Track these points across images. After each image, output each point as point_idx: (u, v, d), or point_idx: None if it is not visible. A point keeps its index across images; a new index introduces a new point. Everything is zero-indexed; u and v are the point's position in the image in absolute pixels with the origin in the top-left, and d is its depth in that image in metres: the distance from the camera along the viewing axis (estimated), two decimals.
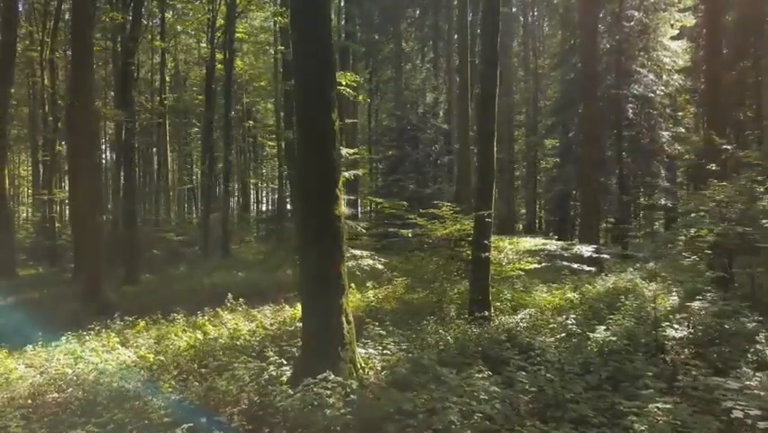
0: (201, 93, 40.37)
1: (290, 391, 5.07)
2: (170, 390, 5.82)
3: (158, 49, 34.10)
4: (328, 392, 5.04)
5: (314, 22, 5.85)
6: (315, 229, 5.86)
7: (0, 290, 18.33)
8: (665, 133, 20.13)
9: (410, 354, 6.36)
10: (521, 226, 34.81)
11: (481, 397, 4.61)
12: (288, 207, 37.49)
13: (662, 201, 20.25)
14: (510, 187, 32.64)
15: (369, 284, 13.20)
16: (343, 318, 5.85)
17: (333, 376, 5.29)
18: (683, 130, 21.99)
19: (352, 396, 5.21)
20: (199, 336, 8.42)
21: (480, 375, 5.52)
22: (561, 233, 26.74)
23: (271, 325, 9.80)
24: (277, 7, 14.81)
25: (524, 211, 38.49)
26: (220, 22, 31.15)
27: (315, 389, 5.13)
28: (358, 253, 13.93)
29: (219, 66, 31.28)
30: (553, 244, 9.53)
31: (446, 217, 9.30)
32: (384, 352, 6.54)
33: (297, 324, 9.63)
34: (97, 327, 9.34)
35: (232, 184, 31.03)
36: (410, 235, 10.21)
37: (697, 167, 25.91)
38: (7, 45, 22.72)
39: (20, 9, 27.26)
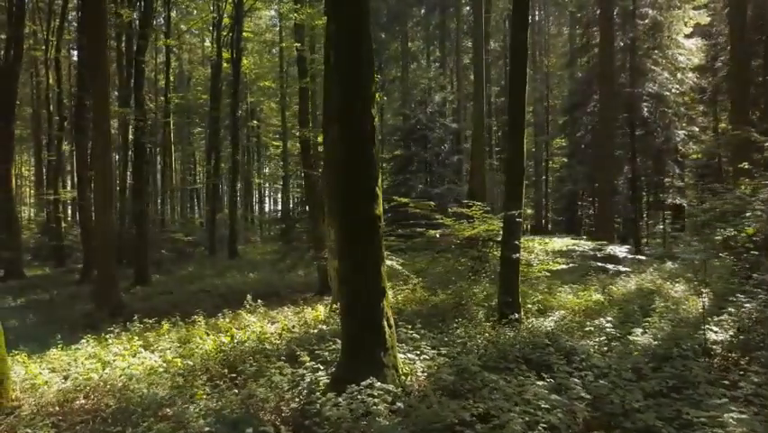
0: (205, 92, 40.16)
1: (336, 399, 4.84)
2: (205, 397, 5.60)
3: (161, 48, 33.84)
4: (376, 400, 4.82)
5: (354, 15, 5.63)
6: (355, 229, 5.64)
7: (10, 290, 18.16)
8: (681, 132, 19.90)
9: (450, 359, 6.13)
10: (528, 227, 34.59)
11: (543, 405, 4.38)
12: (288, 208, 37.41)
13: (678, 201, 20.01)
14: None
15: (392, 287, 13.00)
16: (385, 322, 5.63)
17: (378, 383, 5.06)
18: (696, 129, 21.75)
19: (398, 403, 4.98)
20: (224, 339, 8.19)
21: (528, 381, 5.30)
22: (568, 233, 26.53)
23: (293, 327, 9.59)
24: (291, 3, 14.51)
25: (530, 211, 38.29)
26: (226, 21, 30.95)
27: (359, 396, 4.91)
28: None
29: (225, 65, 31.10)
30: (585, 245, 9.30)
31: (475, 217, 9.07)
32: (422, 356, 6.31)
33: (321, 326, 9.44)
34: (116, 330, 9.11)
35: (241, 184, 30.72)
36: (437, 236, 9.99)
37: (706, 166, 25.86)
38: (15, 42, 22.55)
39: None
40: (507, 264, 8.90)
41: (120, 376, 6.30)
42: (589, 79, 24.14)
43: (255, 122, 44.76)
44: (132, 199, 17.06)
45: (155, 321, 9.79)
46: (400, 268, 13.06)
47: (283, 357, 7.13)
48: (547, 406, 4.39)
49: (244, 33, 31.53)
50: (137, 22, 18.80)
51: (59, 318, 12.29)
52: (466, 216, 8.98)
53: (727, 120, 23.11)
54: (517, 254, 8.83)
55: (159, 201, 36.91)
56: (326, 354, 6.71)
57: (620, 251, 8.93)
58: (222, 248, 29.41)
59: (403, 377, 5.63)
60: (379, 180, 5.81)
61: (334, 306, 10.50)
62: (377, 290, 5.63)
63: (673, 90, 20.02)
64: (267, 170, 54.20)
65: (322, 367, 6.07)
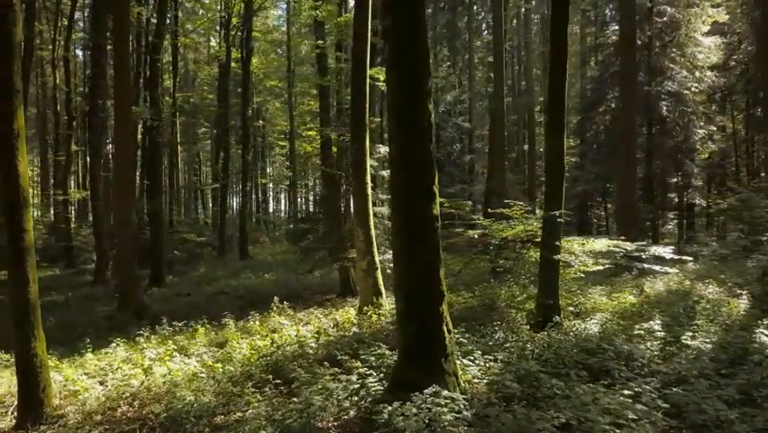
0: (211, 92, 39.94)
1: (402, 408, 4.60)
2: (256, 404, 5.37)
3: (167, 47, 33.55)
4: (444, 409, 4.59)
5: (412, 5, 5.40)
6: (412, 230, 5.41)
7: None
8: (701, 131, 19.66)
9: (506, 364, 5.90)
10: None
11: (630, 416, 4.14)
12: (298, 208, 36.98)
13: (697, 201, 19.77)
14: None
15: None
16: (444, 326, 5.39)
17: (445, 391, 4.83)
18: (714, 128, 21.51)
19: (465, 412, 4.75)
20: (260, 342, 7.97)
21: (595, 388, 5.06)
22: (579, 233, 26.29)
23: (326, 330, 9.37)
24: (309, 1, 14.28)
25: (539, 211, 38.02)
26: (234, 20, 30.72)
27: (424, 405, 4.68)
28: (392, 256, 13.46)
29: (234, 64, 30.85)
30: (626, 246, 9.08)
31: (514, 217, 8.84)
32: (476, 362, 6.08)
33: (354, 328, 9.22)
34: (146, 333, 8.88)
35: (249, 184, 30.46)
36: (476, 236, 9.75)
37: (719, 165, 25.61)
38: (25, 40, 22.30)
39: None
40: (546, 266, 8.67)
41: (165, 383, 6.07)
42: (602, 79, 23.89)
43: (261, 122, 44.52)
44: (148, 199, 16.79)
45: (184, 324, 9.55)
46: None
47: (326, 362, 6.91)
48: (634, 416, 4.15)
49: (254, 33, 31.26)
50: (152, 20, 18.57)
51: (79, 321, 12.04)
52: (506, 216, 8.75)
53: (744, 119, 22.92)
54: (558, 256, 8.61)
55: (166, 202, 36.63)
56: (372, 358, 6.48)
57: (664, 252, 8.70)
58: (231, 249, 29.18)
59: (464, 384, 5.40)
60: (436, 179, 5.58)
61: (365, 308, 10.28)
62: (436, 294, 5.40)
63: (693, 89, 19.77)
64: (270, 171, 53.98)
65: (374, 373, 5.84)
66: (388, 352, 6.66)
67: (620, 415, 4.20)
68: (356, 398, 5.21)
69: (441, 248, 5.54)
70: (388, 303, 10.78)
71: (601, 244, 8.87)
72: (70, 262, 25.20)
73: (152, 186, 17.44)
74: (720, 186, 23.64)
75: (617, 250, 8.91)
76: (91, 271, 22.80)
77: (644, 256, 9.18)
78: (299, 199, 41.16)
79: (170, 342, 8.03)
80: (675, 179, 21.10)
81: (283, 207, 61.38)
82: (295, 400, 5.17)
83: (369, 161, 11.27)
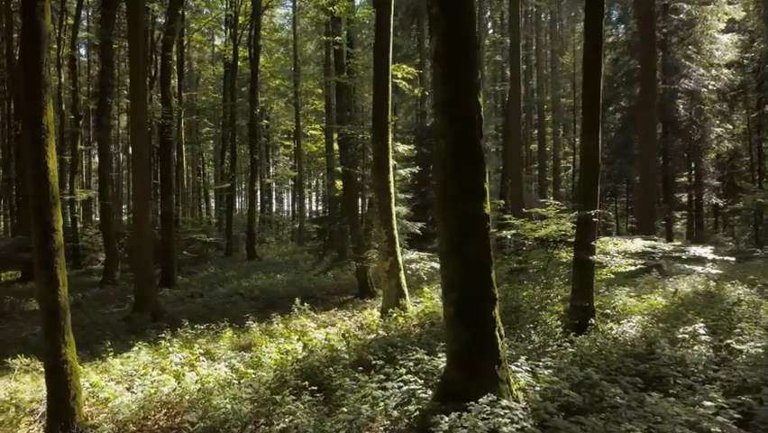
0: (216, 91, 39.69)
1: (462, 420, 4.33)
2: (299, 413, 5.10)
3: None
4: (504, 420, 4.33)
5: None
6: (463, 230, 5.14)
7: (31, 292, 17.56)
8: (718, 130, 19.38)
9: (556, 370, 5.63)
10: None
11: (713, 430, 3.87)
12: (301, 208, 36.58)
13: (714, 200, 19.50)
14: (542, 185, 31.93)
15: (427, 288, 12.51)
16: (497, 332, 5.13)
17: (504, 401, 4.57)
18: (731, 126, 21.24)
19: (523, 423, 4.48)
20: (287, 345, 7.70)
21: (658, 396, 4.79)
22: None
23: (353, 333, 9.10)
24: None
25: None
26: (242, 18, 30.46)
27: (482, 415, 4.42)
28: (415, 255, 13.26)
29: (240, 63, 30.63)
30: (663, 246, 8.82)
31: (548, 217, 8.58)
32: (522, 368, 5.80)
33: (381, 331, 8.95)
34: (167, 336, 8.61)
35: (257, 184, 30.20)
36: (509, 237, 9.49)
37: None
38: None
39: None
40: (580, 267, 8.41)
41: (197, 390, 5.80)
42: (614, 78, 23.62)
43: (266, 121, 44.25)
44: (159, 199, 16.50)
45: (206, 327, 9.29)
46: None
47: (360, 367, 6.65)
48: (718, 430, 3.88)
49: (261, 32, 31.01)
50: (158, 20, 18.31)
51: (95, 323, 11.78)
52: (540, 215, 8.50)
53: (758, 118, 22.63)
54: (593, 256, 8.34)
55: (174, 201, 36.34)
56: (410, 364, 6.22)
57: (705, 252, 8.43)
58: (238, 249, 28.93)
59: (516, 392, 5.13)
60: (487, 176, 5.31)
61: (389, 310, 10.01)
62: (488, 297, 5.13)
63: (710, 86, 19.50)
64: (273, 171, 53.69)
65: (417, 379, 5.59)
66: (426, 357, 6.41)
67: (702, 429, 3.93)
68: (407, 407, 4.93)
69: (491, 249, 5.28)
70: (411, 304, 10.52)
71: (637, 244, 8.59)
72: (77, 263, 24.94)
73: (164, 185, 17.17)
74: (730, 185, 23.41)
75: (654, 251, 8.63)
76: (98, 271, 22.58)
77: (684, 257, 8.92)
78: (305, 199, 40.85)
79: (195, 345, 7.74)
80: (684, 179, 20.82)
81: (285, 208, 61.09)
82: (343, 409, 4.88)
83: (391, 160, 11.02)
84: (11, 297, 15.62)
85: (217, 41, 42.53)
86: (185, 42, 28.64)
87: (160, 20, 29.55)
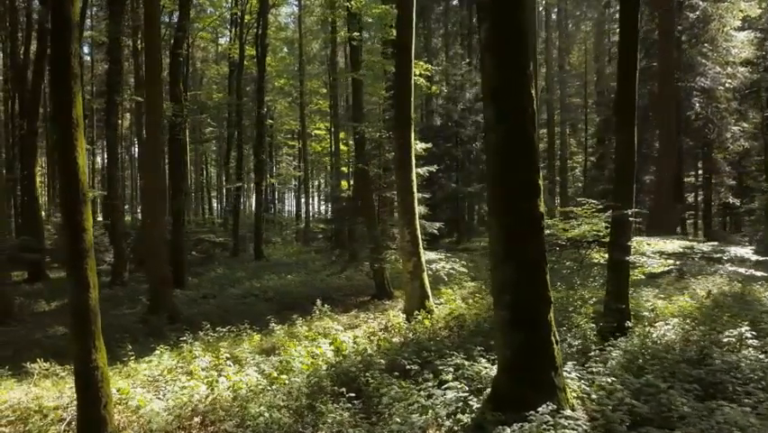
0: (220, 91, 39.37)
1: (522, 431, 4.06)
2: (348, 424, 4.82)
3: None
4: (571, 431, 4.06)
5: None
6: (517, 229, 4.87)
7: (39, 293, 17.34)
8: (735, 128, 19.10)
9: (609, 377, 5.35)
10: None
11: None
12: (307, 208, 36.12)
13: (731, 200, 19.23)
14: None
15: (447, 289, 12.25)
16: (553, 337, 4.86)
17: (568, 410, 4.30)
18: (746, 125, 20.95)
19: None
20: (315, 349, 7.43)
21: (734, 408, 4.51)
22: None
23: (379, 335, 8.85)
24: None
25: None
26: (248, 17, 30.16)
27: (543, 426, 4.15)
28: (434, 256, 12.99)
29: (246, 62, 30.30)
30: (701, 247, 8.56)
31: (582, 217, 8.32)
32: (572, 374, 5.53)
33: (409, 335, 8.68)
34: (189, 340, 8.33)
35: (265, 184, 29.91)
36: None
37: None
38: (39, 36, 21.81)
39: None
40: (615, 268, 8.14)
41: (232, 397, 5.53)
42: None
43: (270, 121, 43.97)
44: (170, 198, 16.20)
45: (228, 330, 9.00)
46: (465, 270, 12.33)
47: (395, 372, 6.39)
48: None
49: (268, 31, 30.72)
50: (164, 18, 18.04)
51: (111, 325, 11.46)
52: (577, 214, 8.24)
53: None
54: (628, 257, 8.08)
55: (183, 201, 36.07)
56: (451, 369, 5.94)
57: (745, 252, 8.17)
58: (244, 249, 28.61)
59: (572, 400, 4.86)
60: (540, 172, 5.04)
61: (415, 312, 9.73)
62: (544, 299, 4.87)
63: (727, 84, 19.22)
64: (276, 171, 53.42)
65: (463, 386, 5.32)
66: (466, 362, 6.14)
67: None
68: (459, 416, 4.66)
69: (546, 249, 5.02)
70: (435, 306, 10.25)
71: (674, 244, 8.33)
72: None
73: (174, 184, 16.90)
74: (739, 185, 23.14)
75: (692, 251, 8.36)
76: (106, 272, 22.22)
77: (724, 258, 8.66)
78: (310, 200, 40.57)
79: (221, 349, 7.45)
80: (691, 178, 20.54)
81: (287, 208, 60.80)
82: (396, 420, 4.60)
83: (414, 158, 10.75)
84: (20, 298, 15.33)
85: (222, 41, 42.26)
86: (189, 42, 28.24)
87: (164, 18, 29.35)
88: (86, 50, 38.00)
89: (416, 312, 9.58)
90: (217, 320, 10.52)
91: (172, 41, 17.08)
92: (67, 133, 4.87)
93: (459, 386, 5.28)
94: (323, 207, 56.29)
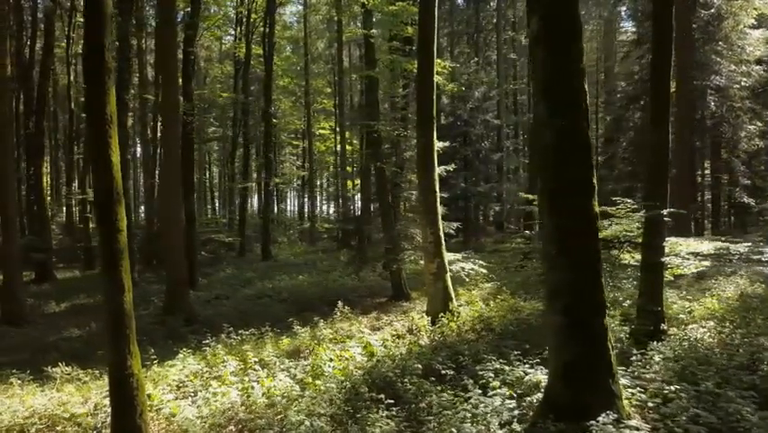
0: (224, 90, 39.18)
1: None
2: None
3: (179, 44, 32.77)
4: None
5: None
6: (572, 230, 4.67)
7: (48, 294, 17.17)
8: (752, 127, 18.90)
9: (662, 383, 5.16)
10: None
11: None
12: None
13: (746, 199, 19.03)
14: None
15: (466, 291, 12.06)
16: (608, 342, 4.66)
17: (633, 421, 4.10)
18: (760, 124, 20.74)
19: None
20: (344, 353, 7.23)
21: None
22: None
23: (403, 338, 8.64)
24: None
25: None
26: (254, 16, 29.97)
27: None
28: (452, 257, 12.77)
29: (252, 62, 30.08)
30: (737, 247, 8.37)
31: (616, 216, 8.11)
32: (621, 381, 5.32)
33: (436, 336, 8.48)
34: (211, 343, 8.13)
35: (272, 184, 29.69)
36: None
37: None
38: (45, 34, 21.63)
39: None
40: (649, 269, 7.93)
41: (268, 404, 5.32)
42: (639, 76, 23.13)
43: (274, 120, 43.79)
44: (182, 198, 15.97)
45: (250, 332, 8.80)
46: (485, 271, 12.13)
47: (432, 377, 6.19)
48: None
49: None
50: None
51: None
52: (609, 214, 8.04)
53: None
54: (662, 258, 7.88)
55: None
56: (490, 375, 5.74)
57: None
58: (251, 249, 28.42)
59: (628, 409, 4.66)
60: (594, 170, 4.84)
61: (440, 314, 9.52)
62: (600, 304, 4.67)
63: (742, 83, 19.02)
64: (280, 170, 53.18)
65: (514, 395, 5.12)
66: (506, 367, 5.95)
67: None
68: (513, 426, 4.45)
69: (600, 252, 4.81)
70: (459, 308, 10.05)
71: (708, 245, 8.13)
72: (89, 264, 24.46)
73: (185, 183, 16.64)
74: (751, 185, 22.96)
75: (728, 252, 8.17)
76: None
77: (764, 259, 8.46)
78: (316, 198, 40.38)
79: (248, 353, 7.24)
80: (700, 178, 20.34)
81: (289, 208, 60.59)
82: (452, 430, 4.40)
83: (436, 157, 10.56)
84: (30, 299, 15.14)
85: (226, 40, 42.05)
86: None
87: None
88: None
89: (441, 314, 9.37)
90: (236, 322, 10.32)
91: (183, 40, 16.87)
92: (101, 129, 4.68)
93: (506, 393, 5.09)
94: (325, 207, 56.17)
